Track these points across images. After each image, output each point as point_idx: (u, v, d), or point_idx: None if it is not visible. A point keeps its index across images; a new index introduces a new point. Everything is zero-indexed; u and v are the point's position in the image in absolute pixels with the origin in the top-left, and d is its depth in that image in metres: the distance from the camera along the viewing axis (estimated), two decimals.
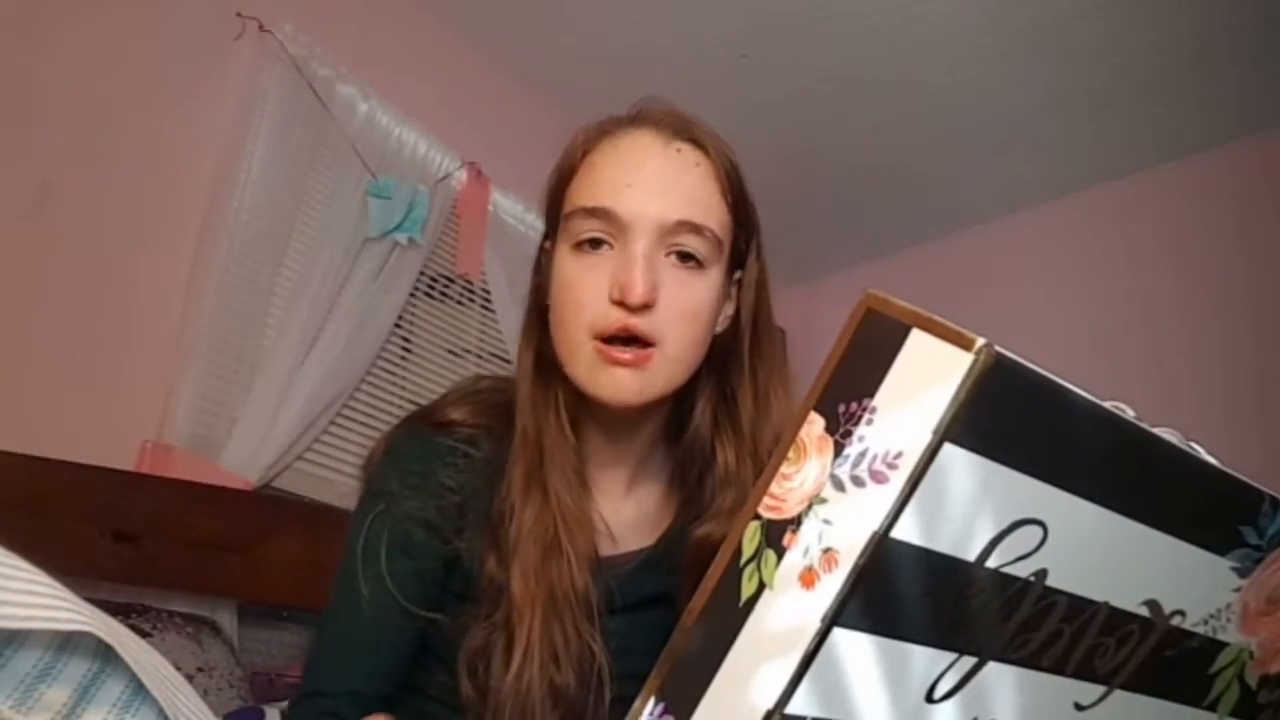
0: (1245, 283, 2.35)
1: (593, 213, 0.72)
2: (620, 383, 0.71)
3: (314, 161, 1.96)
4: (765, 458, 0.75)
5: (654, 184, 0.72)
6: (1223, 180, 2.46)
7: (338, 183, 1.98)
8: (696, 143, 0.75)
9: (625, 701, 0.68)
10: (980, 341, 0.29)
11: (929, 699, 0.34)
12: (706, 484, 0.78)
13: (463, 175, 2.21)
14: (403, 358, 2.13)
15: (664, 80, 2.32)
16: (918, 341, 0.31)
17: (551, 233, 0.80)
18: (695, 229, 0.72)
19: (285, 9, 1.93)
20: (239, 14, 1.86)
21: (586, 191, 0.74)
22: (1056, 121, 2.48)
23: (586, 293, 0.71)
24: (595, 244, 0.72)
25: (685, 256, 0.72)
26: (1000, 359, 0.29)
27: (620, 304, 0.69)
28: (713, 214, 0.74)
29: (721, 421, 0.79)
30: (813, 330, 3.01)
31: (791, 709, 0.31)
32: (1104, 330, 2.54)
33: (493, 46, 2.38)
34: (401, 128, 2.10)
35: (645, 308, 0.70)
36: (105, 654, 0.40)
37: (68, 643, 0.39)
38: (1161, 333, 2.44)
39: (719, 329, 0.78)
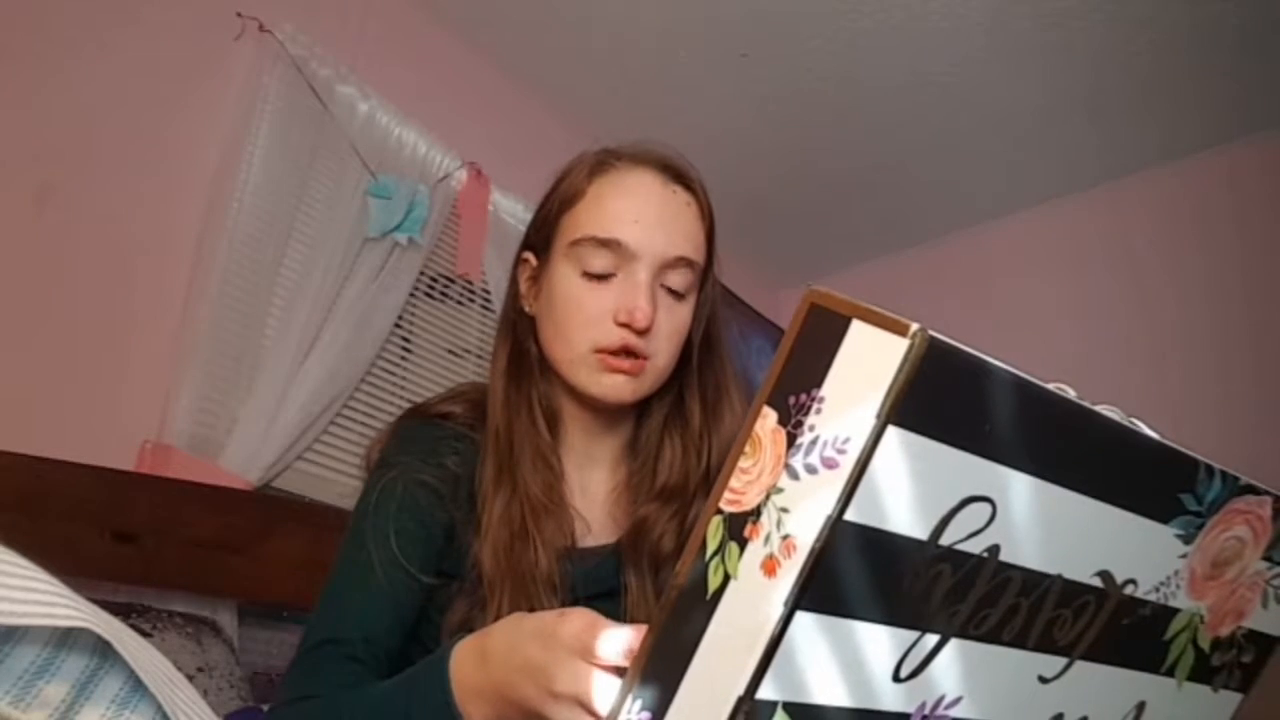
0: (1243, 282, 2.36)
1: (605, 244, 0.81)
2: (618, 385, 0.82)
3: (314, 161, 1.96)
4: (709, 457, 0.87)
5: (658, 221, 0.82)
6: (1221, 180, 2.46)
7: (338, 183, 1.98)
8: (687, 185, 0.86)
9: None
10: (914, 327, 0.30)
11: (895, 678, 0.35)
12: (648, 471, 0.87)
13: (463, 175, 2.21)
14: (403, 358, 2.13)
15: (664, 80, 2.35)
16: (858, 332, 0.32)
17: (543, 249, 0.87)
18: (689, 263, 0.83)
19: (285, 9, 1.93)
20: (239, 14, 1.86)
21: (596, 222, 0.82)
22: (1056, 121, 2.48)
23: (591, 313, 0.81)
24: (601, 273, 0.81)
25: (672, 290, 0.83)
26: (934, 343, 0.30)
27: (625, 325, 0.79)
28: (699, 250, 0.85)
29: (672, 420, 0.89)
30: None
31: (761, 695, 0.32)
32: (1102, 329, 2.54)
33: (493, 47, 2.38)
34: (401, 128, 2.10)
35: (646, 330, 0.80)
36: (103, 650, 0.40)
37: (66, 639, 0.39)
38: (1160, 331, 2.45)
39: None
